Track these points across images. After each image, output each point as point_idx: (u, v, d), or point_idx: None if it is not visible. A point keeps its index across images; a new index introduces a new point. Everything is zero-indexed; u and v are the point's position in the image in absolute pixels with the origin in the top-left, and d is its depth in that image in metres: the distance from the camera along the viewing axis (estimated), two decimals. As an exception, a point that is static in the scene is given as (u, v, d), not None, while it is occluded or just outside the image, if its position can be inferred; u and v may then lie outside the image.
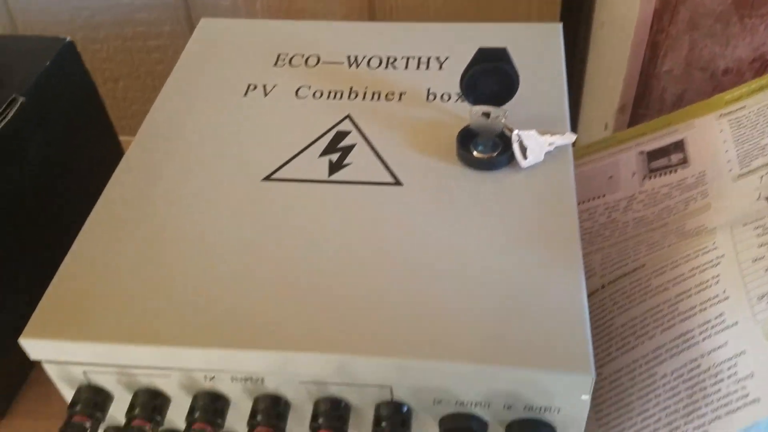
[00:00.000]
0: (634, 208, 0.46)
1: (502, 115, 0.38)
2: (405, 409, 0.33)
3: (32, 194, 0.42)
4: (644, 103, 0.55)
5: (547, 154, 0.38)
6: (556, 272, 0.33)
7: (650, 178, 0.46)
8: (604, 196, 0.48)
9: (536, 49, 0.46)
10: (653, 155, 0.47)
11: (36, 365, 0.44)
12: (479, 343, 0.31)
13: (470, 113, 0.38)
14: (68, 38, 0.46)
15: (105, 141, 0.51)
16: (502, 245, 0.34)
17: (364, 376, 0.32)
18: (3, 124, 0.40)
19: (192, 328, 0.32)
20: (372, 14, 0.72)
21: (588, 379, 0.29)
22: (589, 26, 0.66)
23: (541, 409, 0.32)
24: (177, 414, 0.35)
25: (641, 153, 0.48)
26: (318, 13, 0.72)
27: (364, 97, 0.44)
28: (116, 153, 0.52)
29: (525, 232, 0.35)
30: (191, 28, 0.76)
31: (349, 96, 0.44)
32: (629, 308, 0.39)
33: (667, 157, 0.46)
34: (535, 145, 0.38)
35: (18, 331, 0.33)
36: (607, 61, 0.59)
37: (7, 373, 0.42)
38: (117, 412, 0.35)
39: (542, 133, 0.39)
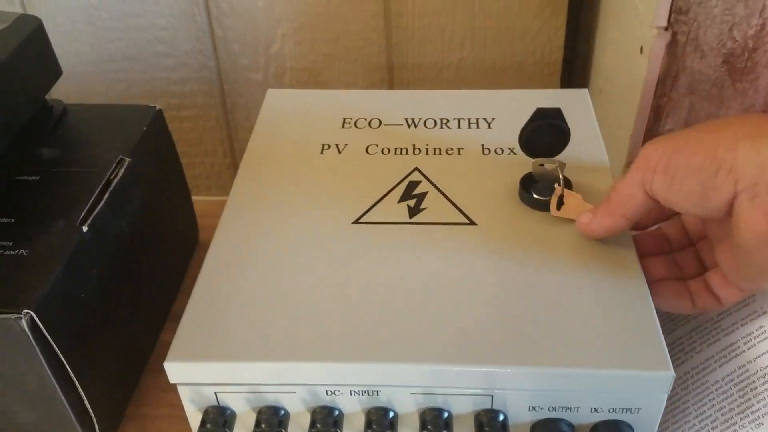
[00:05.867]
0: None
1: (558, 167, 0.44)
2: (502, 416, 0.37)
3: (136, 242, 0.47)
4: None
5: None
6: (625, 290, 0.39)
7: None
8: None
9: (570, 110, 0.53)
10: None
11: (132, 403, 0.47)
12: (571, 351, 0.36)
13: (532, 164, 0.45)
14: (158, 106, 0.52)
15: (184, 194, 0.57)
16: (573, 270, 0.40)
17: (469, 384, 0.36)
18: (115, 183, 0.45)
19: (319, 346, 0.37)
20: (391, 86, 0.79)
21: (669, 376, 0.35)
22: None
23: (623, 410, 0.37)
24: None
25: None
26: (341, 85, 0.79)
27: (427, 153, 0.50)
28: (189, 203, 0.57)
29: (590, 259, 0.41)
30: (223, 100, 0.82)
31: (413, 152, 0.50)
32: (674, 330, 0.45)
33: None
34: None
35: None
36: (607, 123, 0.67)
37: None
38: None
39: (585, 200, 0.44)
